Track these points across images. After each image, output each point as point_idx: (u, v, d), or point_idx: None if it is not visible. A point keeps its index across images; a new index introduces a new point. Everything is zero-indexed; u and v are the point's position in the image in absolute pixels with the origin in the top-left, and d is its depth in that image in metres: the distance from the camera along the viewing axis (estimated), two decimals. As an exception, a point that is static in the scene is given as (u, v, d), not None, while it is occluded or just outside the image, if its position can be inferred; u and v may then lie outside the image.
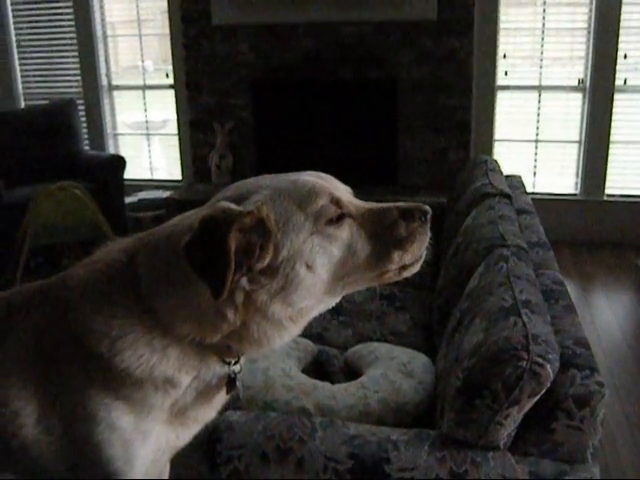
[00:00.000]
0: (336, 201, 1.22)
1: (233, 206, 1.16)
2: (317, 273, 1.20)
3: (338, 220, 1.21)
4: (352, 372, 2.31)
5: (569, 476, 1.57)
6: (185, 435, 1.37)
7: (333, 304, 1.34)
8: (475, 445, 1.60)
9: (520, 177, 3.73)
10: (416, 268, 1.30)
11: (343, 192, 1.28)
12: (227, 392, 1.33)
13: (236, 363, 1.30)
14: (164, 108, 6.42)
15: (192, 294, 1.19)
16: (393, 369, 2.14)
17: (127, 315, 1.22)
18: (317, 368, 2.33)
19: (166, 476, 1.55)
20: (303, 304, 1.22)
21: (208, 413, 1.38)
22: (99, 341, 1.21)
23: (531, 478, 1.55)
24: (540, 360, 1.53)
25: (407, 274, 1.30)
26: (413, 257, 1.27)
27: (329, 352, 2.42)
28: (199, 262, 1.12)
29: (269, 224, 1.17)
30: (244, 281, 1.16)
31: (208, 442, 1.65)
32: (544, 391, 1.55)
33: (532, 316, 1.71)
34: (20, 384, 1.24)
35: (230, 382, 1.31)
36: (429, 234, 1.29)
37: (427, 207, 1.28)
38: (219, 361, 1.28)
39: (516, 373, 1.52)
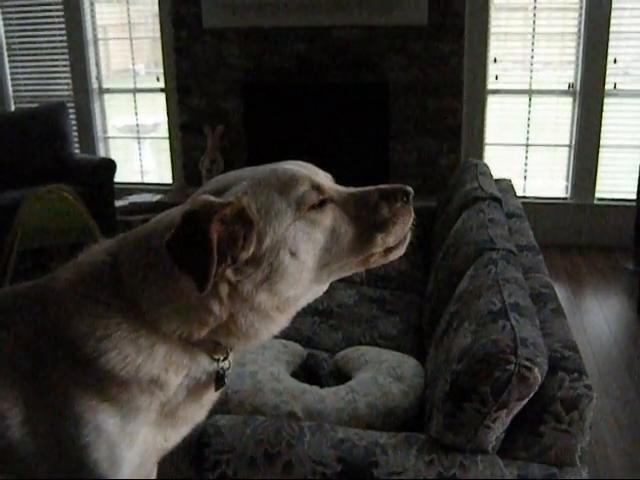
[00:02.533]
0: (317, 187, 1.22)
1: (213, 198, 1.16)
2: (302, 260, 1.19)
3: (320, 206, 1.22)
4: (341, 376, 2.30)
5: (558, 479, 1.57)
6: (173, 437, 1.36)
7: (320, 293, 1.33)
8: (464, 449, 1.60)
9: (510, 181, 3.74)
10: (401, 251, 1.30)
11: (323, 178, 1.28)
12: (216, 389, 1.31)
13: (225, 359, 1.29)
14: (155, 111, 6.41)
15: (176, 289, 1.18)
16: (382, 373, 2.14)
17: (112, 315, 1.20)
18: (306, 372, 2.32)
19: (153, 477, 1.54)
20: (289, 293, 1.21)
21: (198, 412, 1.37)
22: (84, 342, 1.19)
23: (520, 482, 1.55)
24: (528, 363, 1.53)
25: (392, 257, 1.30)
26: (396, 238, 1.27)
27: (318, 356, 2.42)
28: (182, 257, 1.11)
29: (250, 213, 1.16)
30: (229, 272, 1.16)
31: (196, 446, 1.64)
32: (532, 394, 1.55)
33: (520, 319, 1.72)
34: (6, 386, 1.23)
35: (219, 379, 1.30)
36: (412, 215, 1.29)
37: (409, 187, 1.29)
38: (208, 358, 1.27)
39: (504, 376, 1.52)
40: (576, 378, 1.60)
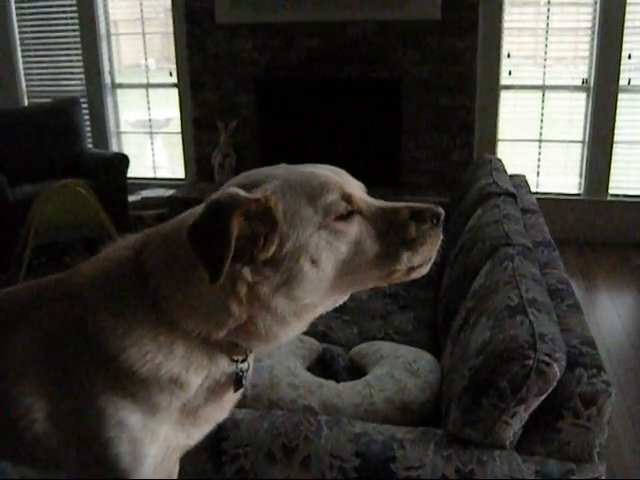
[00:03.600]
0: (347, 197, 1.20)
1: (241, 192, 1.14)
2: (322, 269, 1.17)
3: (347, 217, 1.19)
4: (357, 371, 2.31)
5: (576, 475, 1.56)
6: (196, 435, 1.36)
7: (340, 302, 1.31)
8: (481, 444, 1.59)
9: (524, 177, 3.73)
10: (425, 270, 1.28)
11: (355, 188, 1.25)
12: (234, 390, 1.31)
13: (244, 361, 1.29)
14: (167, 107, 6.43)
15: (198, 287, 1.18)
16: (398, 368, 2.14)
17: (134, 311, 1.21)
18: (322, 366, 2.33)
19: (175, 475, 1.54)
20: (307, 300, 1.20)
21: (219, 413, 1.37)
22: (106, 338, 1.20)
23: (537, 477, 1.55)
24: (547, 359, 1.52)
25: (416, 275, 1.27)
26: (422, 259, 1.24)
27: (334, 350, 2.42)
28: (199, 244, 1.10)
29: (276, 214, 1.15)
30: (247, 272, 1.14)
31: (214, 440, 1.64)
32: (551, 390, 1.55)
33: (539, 315, 1.71)
34: (31, 380, 1.24)
35: (237, 380, 1.30)
36: (441, 237, 1.26)
37: (440, 209, 1.25)
38: (227, 359, 1.27)
39: (523, 372, 1.52)
40: (594, 374, 1.59)
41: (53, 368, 1.23)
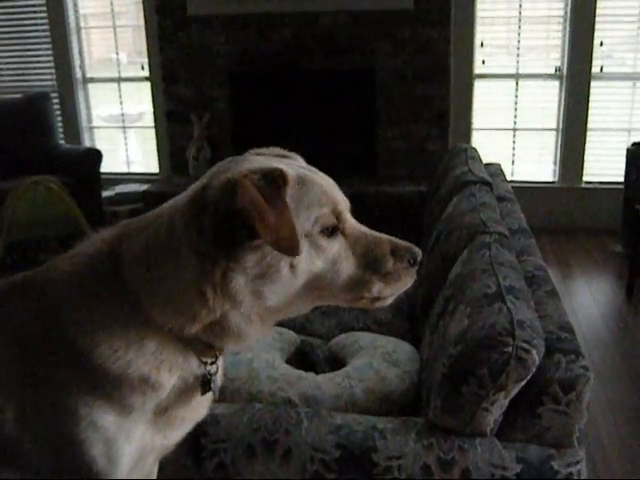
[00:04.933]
0: (337, 214, 1.21)
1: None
2: (296, 276, 1.17)
3: (331, 233, 1.19)
4: (336, 362, 2.30)
5: (556, 460, 1.57)
6: (173, 435, 1.33)
7: (302, 312, 1.30)
8: (462, 432, 1.59)
9: (499, 165, 3.74)
10: (388, 302, 1.30)
11: (344, 206, 1.25)
12: (202, 393, 1.28)
13: (212, 363, 1.26)
14: (140, 100, 6.37)
15: (173, 277, 1.15)
16: (378, 358, 2.13)
17: (105, 307, 1.18)
18: (301, 359, 2.32)
19: (154, 476, 1.52)
20: (272, 302, 1.18)
21: (196, 412, 1.34)
22: (77, 335, 1.17)
23: (518, 464, 1.55)
24: (526, 345, 1.52)
25: (379, 305, 1.29)
26: (391, 293, 1.27)
27: (312, 342, 2.41)
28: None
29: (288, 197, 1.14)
30: (222, 257, 1.12)
31: (193, 436, 1.62)
32: (530, 376, 1.55)
33: (516, 302, 1.71)
34: (1, 380, 1.21)
35: (205, 383, 1.27)
36: (415, 277, 1.28)
37: (418, 250, 1.27)
38: (197, 360, 1.24)
39: (502, 359, 1.51)
40: (572, 359, 1.59)
41: (22, 367, 1.20)
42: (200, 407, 1.35)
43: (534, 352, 1.53)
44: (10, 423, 1.21)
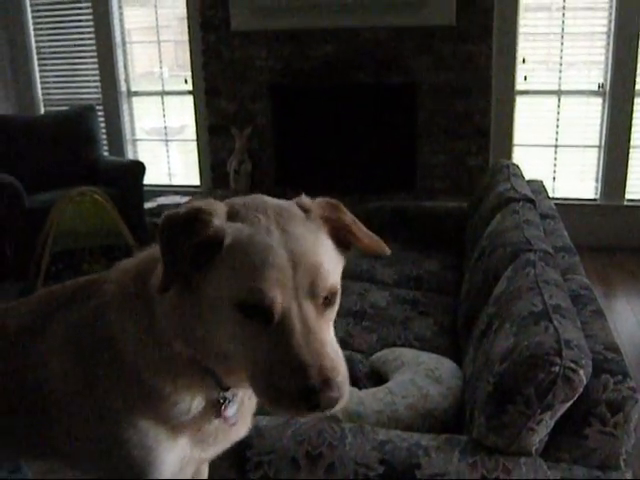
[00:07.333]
0: (270, 302, 1.05)
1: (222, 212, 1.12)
2: (210, 331, 1.14)
3: (254, 316, 1.06)
4: (377, 377, 2.30)
5: (602, 483, 1.55)
6: (210, 450, 1.36)
7: (235, 385, 1.26)
8: (507, 451, 1.58)
9: (542, 182, 3.72)
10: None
11: (279, 294, 1.06)
12: (215, 417, 1.27)
13: (227, 389, 1.26)
14: (182, 114, 6.45)
15: (181, 308, 1.17)
16: (420, 374, 2.13)
17: (143, 322, 1.22)
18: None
19: None
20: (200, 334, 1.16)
21: (228, 433, 1.34)
22: (121, 343, 1.23)
23: (563, 485, 1.54)
24: (573, 365, 1.51)
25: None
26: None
27: (354, 357, 2.41)
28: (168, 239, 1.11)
29: (223, 254, 1.08)
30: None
31: (237, 448, 1.64)
32: (577, 396, 1.54)
33: (563, 321, 1.70)
34: (57, 364, 1.28)
35: (218, 408, 1.27)
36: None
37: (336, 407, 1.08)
38: (216, 386, 1.25)
39: (549, 378, 1.51)
40: (620, 380, 1.58)
41: (77, 363, 1.27)
42: (236, 427, 1.35)
43: (582, 372, 1.52)
44: (61, 410, 1.28)
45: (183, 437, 1.26)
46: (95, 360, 1.25)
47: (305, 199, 1.18)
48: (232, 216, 1.11)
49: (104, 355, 1.24)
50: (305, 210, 1.15)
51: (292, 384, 1.03)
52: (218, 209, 1.11)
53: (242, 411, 1.32)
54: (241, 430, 1.39)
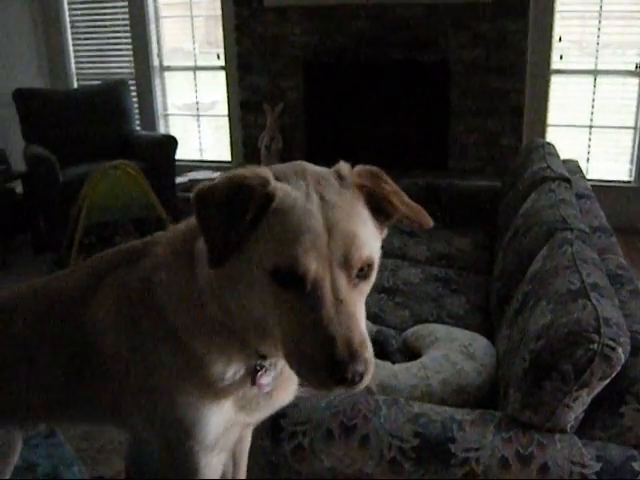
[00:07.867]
0: (297, 267, 1.04)
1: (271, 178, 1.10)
2: (247, 299, 1.14)
3: (288, 286, 1.05)
4: (411, 353, 2.31)
5: (637, 461, 1.54)
6: (255, 415, 1.37)
7: (265, 352, 1.26)
8: (541, 427, 1.59)
9: (577, 162, 3.68)
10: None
11: (316, 264, 1.05)
12: (252, 383, 1.28)
13: (265, 357, 1.26)
14: (214, 89, 6.46)
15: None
16: (454, 350, 2.14)
17: (188, 291, 1.24)
18: (375, 348, 2.31)
19: (247, 445, 1.62)
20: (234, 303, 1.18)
21: (271, 399, 1.35)
22: (167, 310, 1.25)
23: (598, 462, 1.54)
24: (612, 343, 1.51)
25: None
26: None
27: (387, 332, 2.42)
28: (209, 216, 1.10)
29: (268, 217, 1.08)
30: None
31: (273, 417, 1.66)
32: (614, 374, 1.53)
33: (601, 299, 1.69)
34: (108, 323, 1.31)
35: (254, 375, 1.27)
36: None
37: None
38: (256, 354, 1.26)
39: (587, 356, 1.50)
40: (658, 360, 1.57)
41: (125, 325, 1.30)
42: (279, 394, 1.36)
43: (620, 350, 1.51)
44: (111, 369, 1.32)
45: (227, 401, 1.28)
46: (143, 319, 1.28)
47: (343, 166, 1.16)
48: (278, 179, 1.11)
49: (151, 313, 1.27)
50: (342, 178, 1.14)
51: (320, 355, 1.02)
52: (266, 172, 1.11)
53: (282, 379, 1.33)
54: (284, 397, 1.40)
